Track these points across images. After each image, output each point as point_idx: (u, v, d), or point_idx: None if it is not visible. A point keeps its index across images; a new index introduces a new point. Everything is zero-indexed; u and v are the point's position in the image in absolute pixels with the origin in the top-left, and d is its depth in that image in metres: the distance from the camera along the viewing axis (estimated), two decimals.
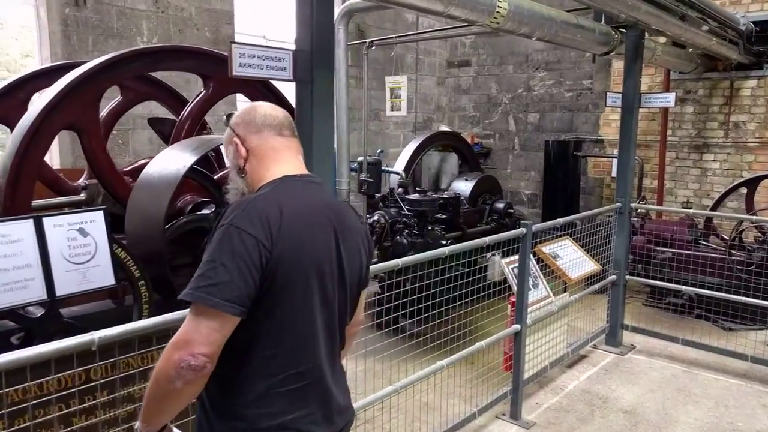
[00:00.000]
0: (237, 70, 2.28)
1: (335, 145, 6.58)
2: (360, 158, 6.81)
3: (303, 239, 1.70)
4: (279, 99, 4.67)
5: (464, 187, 7.51)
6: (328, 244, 1.76)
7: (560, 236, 5.39)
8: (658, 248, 6.89)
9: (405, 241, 5.97)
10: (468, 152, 8.40)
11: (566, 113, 9.24)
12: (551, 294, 4.78)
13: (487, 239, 3.94)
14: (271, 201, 1.69)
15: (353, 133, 9.24)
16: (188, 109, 4.27)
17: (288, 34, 8.29)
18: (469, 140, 10.11)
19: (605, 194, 8.91)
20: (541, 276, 4.80)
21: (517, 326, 4.23)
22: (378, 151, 7.00)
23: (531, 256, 4.74)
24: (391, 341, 3.85)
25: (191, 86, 5.98)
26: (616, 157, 8.53)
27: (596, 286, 5.39)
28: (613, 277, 5.62)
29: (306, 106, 2.49)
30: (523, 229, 4.13)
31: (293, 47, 2.54)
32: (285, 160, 1.86)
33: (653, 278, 6.36)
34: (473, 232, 7.10)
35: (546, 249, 5.23)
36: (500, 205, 7.46)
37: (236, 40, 7.36)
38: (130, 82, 4.41)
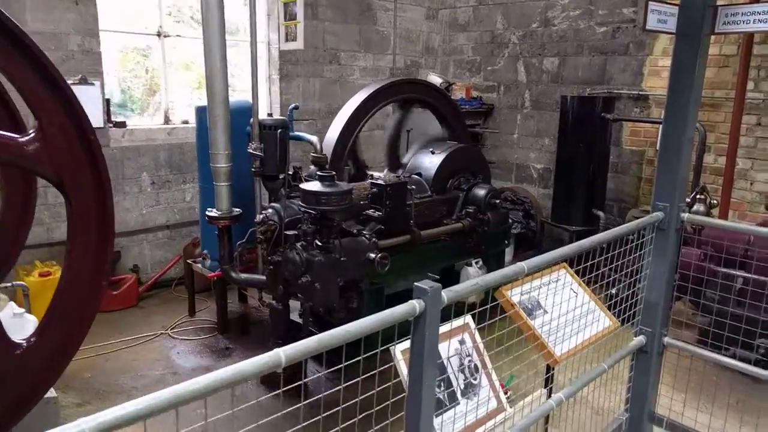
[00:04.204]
0: None
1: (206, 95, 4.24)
2: (266, 117, 4.46)
3: None
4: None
5: (428, 164, 5.09)
6: None
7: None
8: (721, 268, 4.38)
9: (297, 257, 3.66)
10: (449, 111, 5.89)
11: (597, 57, 6.55)
12: (505, 403, 2.42)
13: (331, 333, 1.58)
14: None
15: (314, 80, 6.86)
16: None
17: None
18: (464, 93, 7.57)
19: (645, 174, 6.30)
20: (486, 364, 2.43)
21: None
22: (291, 106, 4.62)
23: (473, 329, 2.44)
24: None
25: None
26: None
27: (606, 365, 2.98)
28: (641, 339, 3.20)
29: None
30: (414, 305, 1.75)
31: None
32: None
33: (716, 322, 3.90)
34: (433, 235, 4.72)
35: (515, 294, 2.85)
36: (481, 192, 5.02)
37: None
38: None
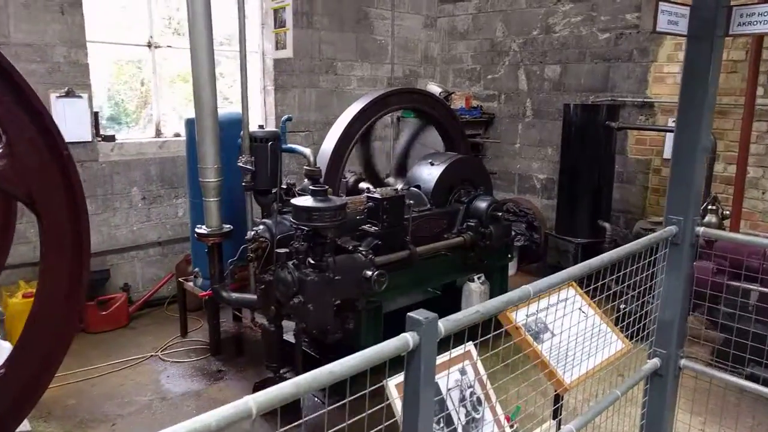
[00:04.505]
0: None
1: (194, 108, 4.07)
2: (257, 128, 4.29)
3: None
4: None
5: (427, 176, 4.90)
6: None
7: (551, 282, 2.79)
8: (741, 284, 4.17)
9: (289, 276, 3.47)
10: (447, 120, 5.73)
11: (600, 64, 6.39)
12: None
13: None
14: None
15: (310, 90, 6.70)
16: None
17: None
18: (463, 103, 7.42)
19: (652, 184, 6.11)
20: (490, 397, 2.23)
21: None
22: (284, 118, 4.46)
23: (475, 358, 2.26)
24: None
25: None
26: (671, 130, 5.72)
27: (619, 392, 2.77)
28: (656, 361, 2.99)
29: None
30: (407, 339, 1.56)
31: None
32: None
33: (733, 342, 3.68)
34: (433, 250, 4.53)
35: (520, 317, 2.66)
36: (482, 204, 4.83)
37: None
38: None
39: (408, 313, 1.63)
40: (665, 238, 2.87)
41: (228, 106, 6.24)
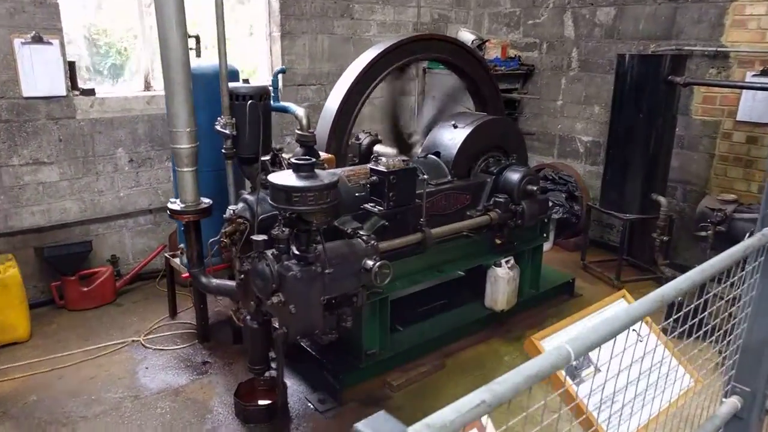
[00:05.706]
0: None
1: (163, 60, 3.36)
2: (239, 83, 3.58)
3: None
4: None
5: (449, 141, 4.12)
6: None
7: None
8: None
9: (267, 269, 2.82)
10: (478, 74, 4.89)
11: (664, 5, 5.36)
12: None
13: None
14: None
15: (322, 37, 5.90)
16: None
17: None
18: (499, 52, 6.50)
19: (720, 150, 5.15)
20: None
21: None
22: (276, 69, 3.72)
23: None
24: None
25: None
26: (750, 86, 4.72)
27: None
28: (735, 401, 2.26)
29: None
30: None
31: None
32: None
33: None
34: (452, 231, 3.80)
35: (550, 343, 1.96)
36: (514, 176, 4.05)
37: None
38: None
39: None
40: (763, 245, 2.08)
41: (235, 59, 5.50)
